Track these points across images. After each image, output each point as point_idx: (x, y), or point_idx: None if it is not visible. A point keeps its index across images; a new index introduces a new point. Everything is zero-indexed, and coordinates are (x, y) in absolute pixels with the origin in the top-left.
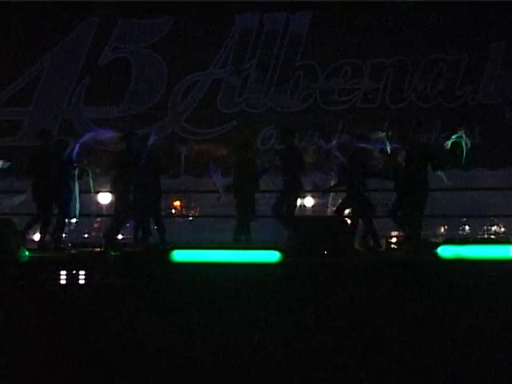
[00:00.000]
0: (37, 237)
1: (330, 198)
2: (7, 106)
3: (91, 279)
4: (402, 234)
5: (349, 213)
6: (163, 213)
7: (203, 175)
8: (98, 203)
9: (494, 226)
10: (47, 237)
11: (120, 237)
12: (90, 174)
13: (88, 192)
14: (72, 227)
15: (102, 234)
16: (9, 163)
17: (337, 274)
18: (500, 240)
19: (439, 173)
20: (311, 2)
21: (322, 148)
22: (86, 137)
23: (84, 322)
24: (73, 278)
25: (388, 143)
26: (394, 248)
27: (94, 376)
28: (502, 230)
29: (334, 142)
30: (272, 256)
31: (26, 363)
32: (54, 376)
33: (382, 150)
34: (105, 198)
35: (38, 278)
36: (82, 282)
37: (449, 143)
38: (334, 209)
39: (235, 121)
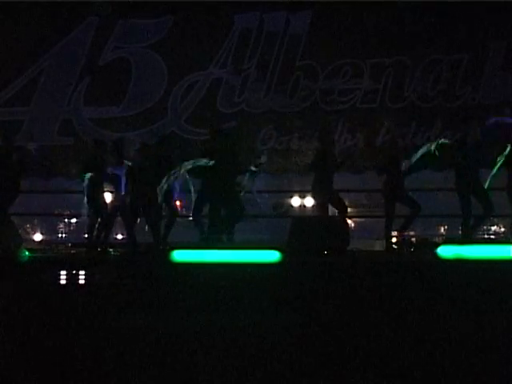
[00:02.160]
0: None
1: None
2: (7, 106)
3: (91, 279)
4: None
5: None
6: (164, 213)
7: None
8: None
9: (493, 226)
10: None
11: (120, 237)
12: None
13: None
14: (72, 227)
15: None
16: None
17: (337, 274)
18: (500, 240)
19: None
20: (311, 1)
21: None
22: None
23: (84, 322)
24: (73, 278)
25: None
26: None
27: (94, 376)
28: (502, 230)
29: None
30: (272, 256)
31: (26, 363)
32: (54, 376)
33: None
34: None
35: (38, 278)
36: (81, 282)
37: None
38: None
39: (235, 121)
